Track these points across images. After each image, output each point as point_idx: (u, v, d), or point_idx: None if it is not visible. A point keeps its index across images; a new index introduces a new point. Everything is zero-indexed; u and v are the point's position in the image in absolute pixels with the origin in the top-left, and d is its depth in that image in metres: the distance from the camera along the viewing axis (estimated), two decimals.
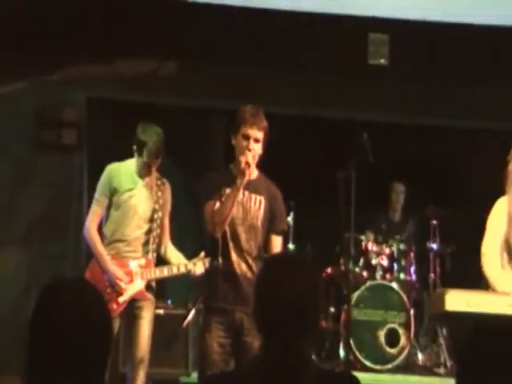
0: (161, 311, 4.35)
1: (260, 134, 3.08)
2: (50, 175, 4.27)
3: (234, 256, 3.18)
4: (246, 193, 3.14)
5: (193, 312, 4.39)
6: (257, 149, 3.13)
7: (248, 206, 3.12)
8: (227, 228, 3.14)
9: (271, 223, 3.15)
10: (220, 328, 3.06)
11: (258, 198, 3.14)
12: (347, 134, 4.33)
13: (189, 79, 4.41)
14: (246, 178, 3.03)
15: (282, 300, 1.79)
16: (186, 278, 4.01)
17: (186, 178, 4.82)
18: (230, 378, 1.90)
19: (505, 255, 3.50)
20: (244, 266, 3.15)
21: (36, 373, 1.63)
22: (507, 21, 4.59)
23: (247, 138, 3.05)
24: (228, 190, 3.03)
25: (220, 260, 3.19)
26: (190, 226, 4.75)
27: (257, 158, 3.18)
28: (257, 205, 3.14)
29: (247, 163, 2.98)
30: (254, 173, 3.18)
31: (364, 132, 4.08)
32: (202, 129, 4.88)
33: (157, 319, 3.91)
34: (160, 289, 4.03)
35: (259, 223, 3.09)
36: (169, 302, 4.62)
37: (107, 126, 4.49)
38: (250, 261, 3.11)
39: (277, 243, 3.22)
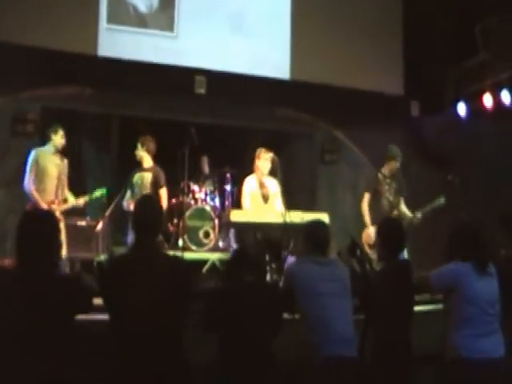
0: (83, 223, 6.25)
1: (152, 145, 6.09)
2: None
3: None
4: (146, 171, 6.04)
5: (100, 224, 6.14)
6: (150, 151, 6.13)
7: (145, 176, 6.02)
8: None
9: (159, 183, 6.00)
10: None
11: (150, 172, 6.06)
12: (182, 129, 6.07)
13: None
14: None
15: (140, 215, 3.06)
16: (98, 204, 6.34)
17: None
18: (121, 260, 3.04)
19: (261, 201, 5.89)
20: None
21: (21, 256, 2.79)
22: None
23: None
24: None
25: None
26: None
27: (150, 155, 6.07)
28: (149, 175, 6.06)
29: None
30: (150, 163, 6.13)
31: (192, 128, 5.99)
32: None
33: (80, 228, 6.05)
34: (83, 210, 6.30)
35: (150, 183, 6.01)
36: (88, 218, 6.41)
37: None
38: None
39: (163, 191, 6.08)
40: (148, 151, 6.19)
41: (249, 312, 2.99)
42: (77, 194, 6.07)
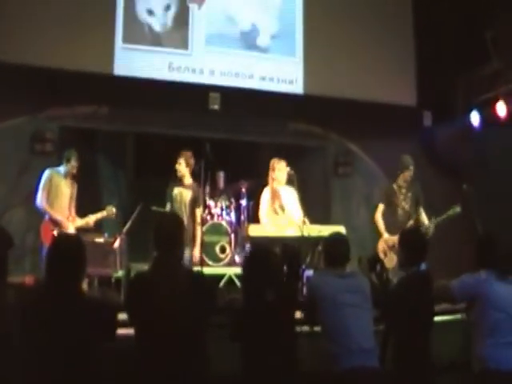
0: (101, 240, 6.17)
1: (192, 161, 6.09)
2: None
3: None
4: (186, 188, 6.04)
5: (118, 240, 6.14)
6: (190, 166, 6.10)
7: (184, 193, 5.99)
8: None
9: (197, 202, 6.01)
10: None
11: (189, 190, 6.01)
12: (197, 145, 6.23)
13: None
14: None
15: (163, 232, 3.08)
16: (115, 221, 6.48)
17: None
18: (146, 277, 3.07)
19: (278, 211, 5.92)
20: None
21: (50, 277, 2.85)
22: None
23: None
24: None
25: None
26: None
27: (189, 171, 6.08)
28: (188, 193, 6.01)
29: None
30: (189, 179, 6.08)
31: (207, 143, 6.06)
32: None
33: (98, 244, 5.99)
34: (100, 227, 6.38)
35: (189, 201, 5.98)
36: (106, 234, 6.34)
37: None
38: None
39: (199, 210, 6.07)
40: (189, 167, 6.19)
41: (270, 331, 3.05)
42: (93, 211, 6.18)
